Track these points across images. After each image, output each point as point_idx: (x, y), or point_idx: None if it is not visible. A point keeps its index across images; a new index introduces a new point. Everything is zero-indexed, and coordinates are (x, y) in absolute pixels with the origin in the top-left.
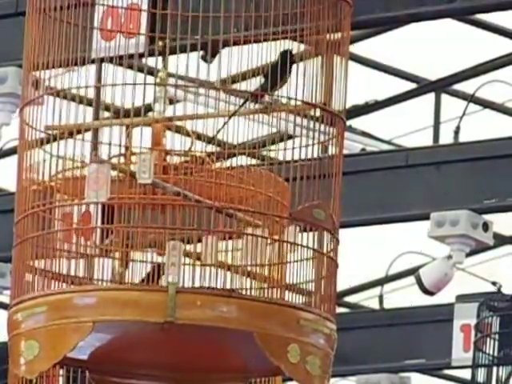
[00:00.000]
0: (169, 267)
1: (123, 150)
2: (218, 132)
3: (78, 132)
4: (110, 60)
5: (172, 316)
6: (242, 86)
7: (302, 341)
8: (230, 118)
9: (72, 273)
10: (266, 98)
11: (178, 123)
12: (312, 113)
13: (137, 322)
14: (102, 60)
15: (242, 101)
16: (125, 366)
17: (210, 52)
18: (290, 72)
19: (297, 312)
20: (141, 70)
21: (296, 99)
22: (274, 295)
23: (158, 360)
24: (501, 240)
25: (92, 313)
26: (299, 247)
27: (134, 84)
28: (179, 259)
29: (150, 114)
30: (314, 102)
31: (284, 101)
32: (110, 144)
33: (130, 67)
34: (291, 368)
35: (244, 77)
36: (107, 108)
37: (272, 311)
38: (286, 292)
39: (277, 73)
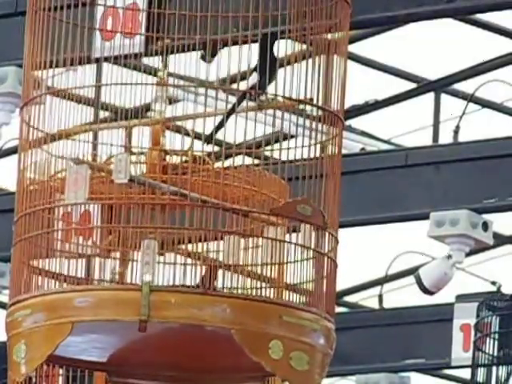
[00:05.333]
0: (143, 266)
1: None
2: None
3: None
4: (110, 59)
5: (146, 315)
6: (239, 84)
7: (285, 336)
8: (205, 116)
9: (66, 273)
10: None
11: (179, 123)
12: (309, 112)
13: (113, 321)
14: (103, 59)
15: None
16: (137, 368)
17: (210, 52)
18: (274, 56)
19: (279, 308)
20: (142, 69)
21: (276, 94)
22: (268, 294)
23: (166, 360)
24: (500, 240)
25: (70, 314)
26: (299, 247)
27: (131, 84)
28: (153, 258)
29: (150, 114)
30: (304, 98)
31: (272, 97)
32: (104, 144)
33: (133, 67)
34: (273, 364)
35: (243, 76)
36: (109, 108)
37: (251, 307)
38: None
39: (263, 59)
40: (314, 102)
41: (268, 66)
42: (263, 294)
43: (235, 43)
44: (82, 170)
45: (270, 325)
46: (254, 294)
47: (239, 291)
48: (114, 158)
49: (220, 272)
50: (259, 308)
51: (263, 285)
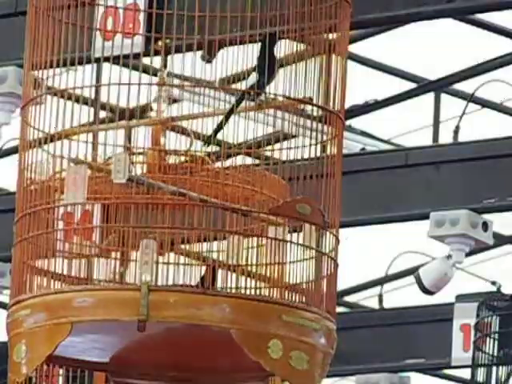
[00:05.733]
0: (142, 266)
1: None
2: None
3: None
4: (109, 59)
5: (145, 314)
6: (238, 84)
7: (285, 336)
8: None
9: (66, 273)
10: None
11: (179, 123)
12: (309, 112)
13: (113, 321)
14: (104, 59)
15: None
16: (137, 368)
17: (211, 52)
18: (274, 56)
19: (279, 308)
20: (144, 70)
21: (276, 94)
22: (268, 294)
23: (166, 360)
24: (500, 240)
25: (70, 314)
26: (300, 246)
27: (130, 84)
28: (152, 258)
29: (151, 114)
30: (304, 98)
31: (272, 97)
32: (104, 144)
33: (132, 67)
34: (272, 363)
35: (244, 76)
36: (110, 109)
37: (250, 307)
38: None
39: (263, 59)
40: (314, 101)
41: (268, 66)
42: (263, 294)
43: (235, 43)
44: (81, 170)
45: (269, 324)
46: (253, 293)
47: (239, 291)
48: (113, 157)
49: (220, 272)
50: (259, 308)
51: (263, 284)
